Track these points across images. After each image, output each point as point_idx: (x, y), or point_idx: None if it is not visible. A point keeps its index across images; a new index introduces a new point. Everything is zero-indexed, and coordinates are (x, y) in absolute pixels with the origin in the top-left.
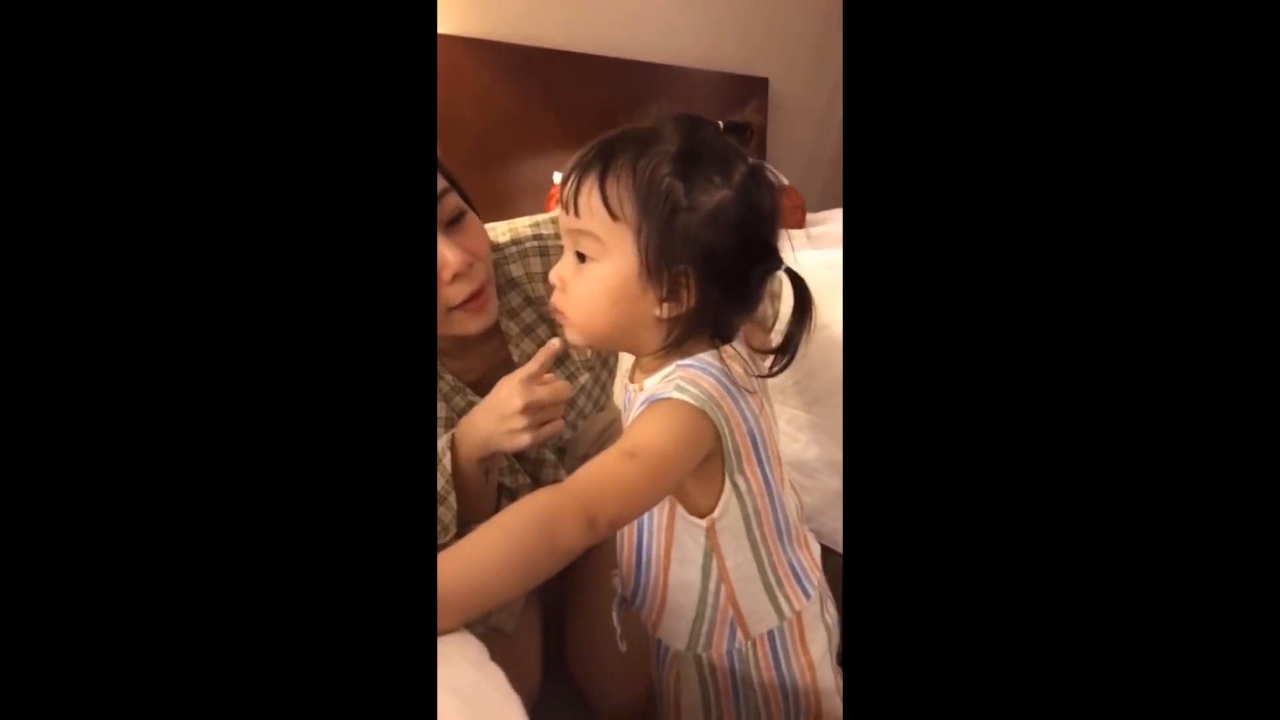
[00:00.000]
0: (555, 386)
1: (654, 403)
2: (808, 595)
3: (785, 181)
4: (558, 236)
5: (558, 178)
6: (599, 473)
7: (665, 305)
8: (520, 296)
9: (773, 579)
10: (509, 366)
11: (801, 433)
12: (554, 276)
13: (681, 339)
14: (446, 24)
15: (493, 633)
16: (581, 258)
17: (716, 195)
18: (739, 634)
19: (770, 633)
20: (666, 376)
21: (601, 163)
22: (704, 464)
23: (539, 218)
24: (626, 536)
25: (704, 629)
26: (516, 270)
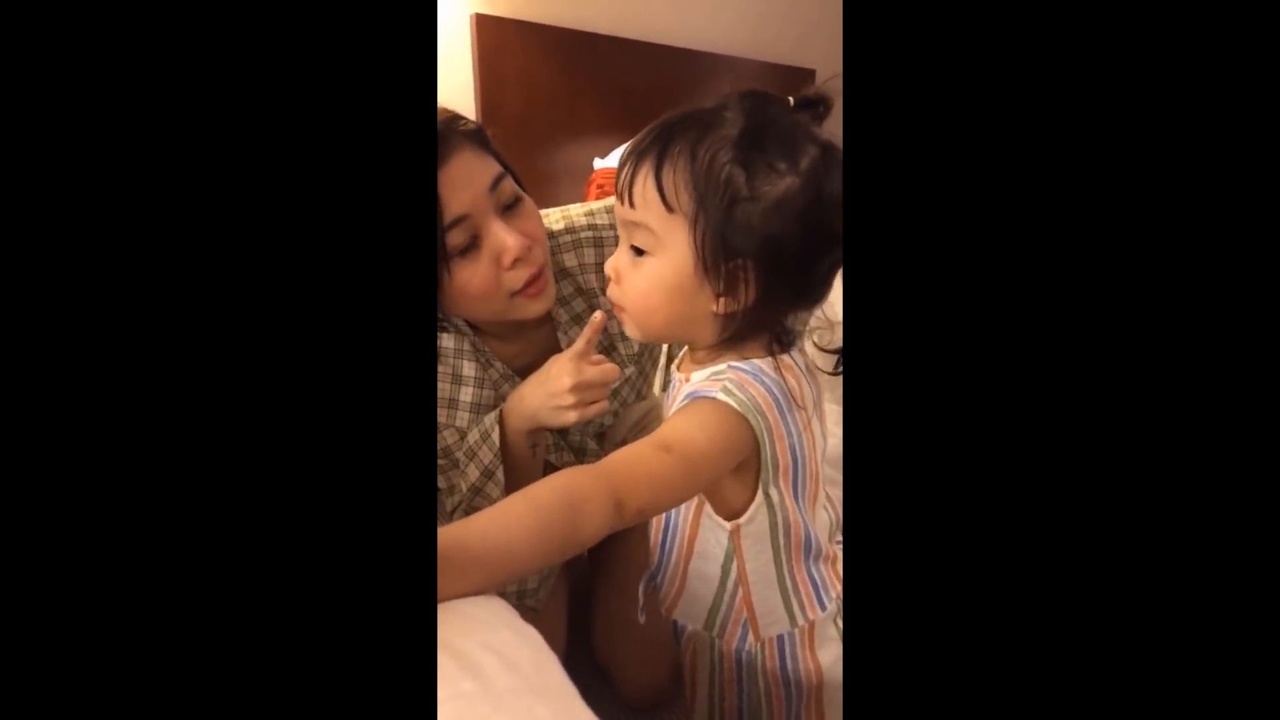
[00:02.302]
0: (604, 368)
1: (697, 399)
2: (824, 607)
3: None
4: (613, 226)
5: (598, 163)
6: (633, 460)
7: (722, 300)
8: (572, 286)
9: (789, 586)
10: (556, 353)
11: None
12: (609, 269)
13: (739, 335)
14: (491, 5)
15: (521, 609)
16: (638, 251)
17: (782, 183)
18: (750, 635)
19: (780, 636)
20: (716, 375)
21: (658, 150)
22: (739, 469)
23: (594, 205)
24: (655, 519)
25: (719, 618)
26: (570, 260)
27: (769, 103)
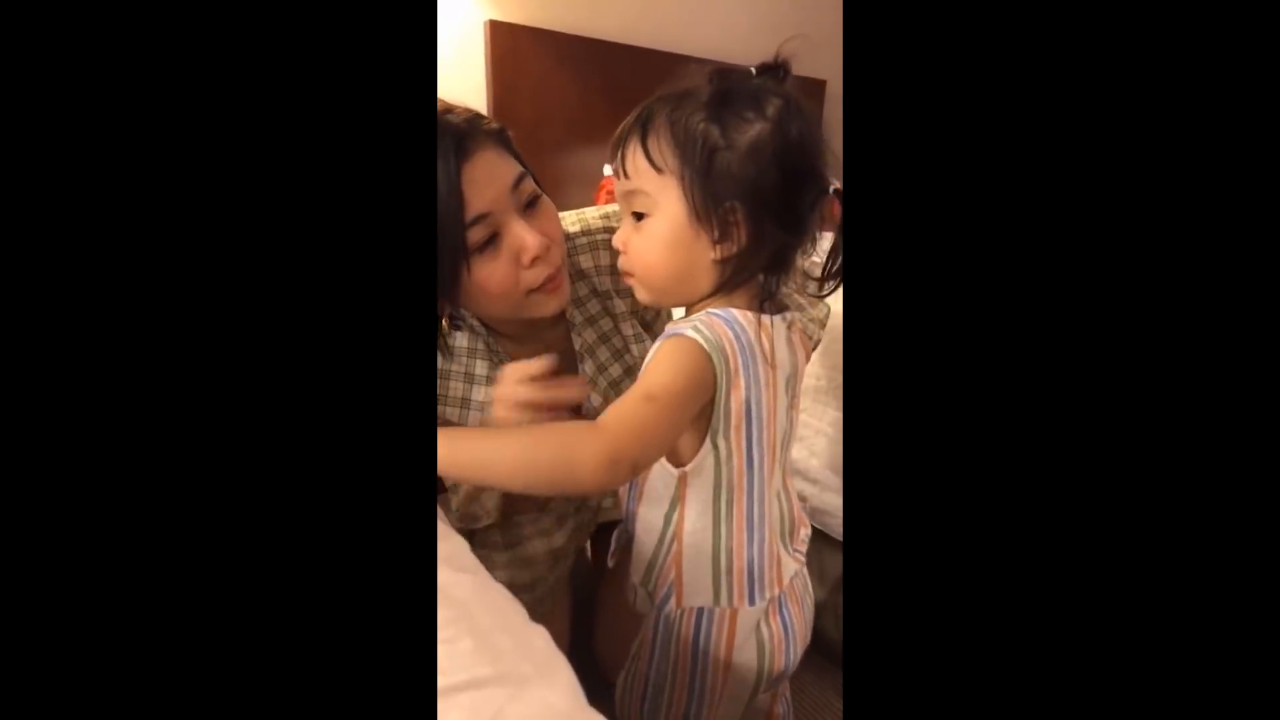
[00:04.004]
0: (559, 393)
1: (669, 337)
2: (751, 600)
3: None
4: None
5: (608, 170)
6: (624, 415)
7: (719, 246)
8: (587, 287)
9: (723, 563)
10: (570, 354)
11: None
12: (617, 241)
13: (735, 280)
14: (505, 12)
15: (577, 528)
16: (639, 217)
17: (752, 130)
18: (673, 599)
19: (700, 610)
20: (693, 318)
21: (641, 124)
22: (696, 414)
23: (609, 209)
24: None
25: (654, 573)
26: (586, 262)
27: (732, 71)
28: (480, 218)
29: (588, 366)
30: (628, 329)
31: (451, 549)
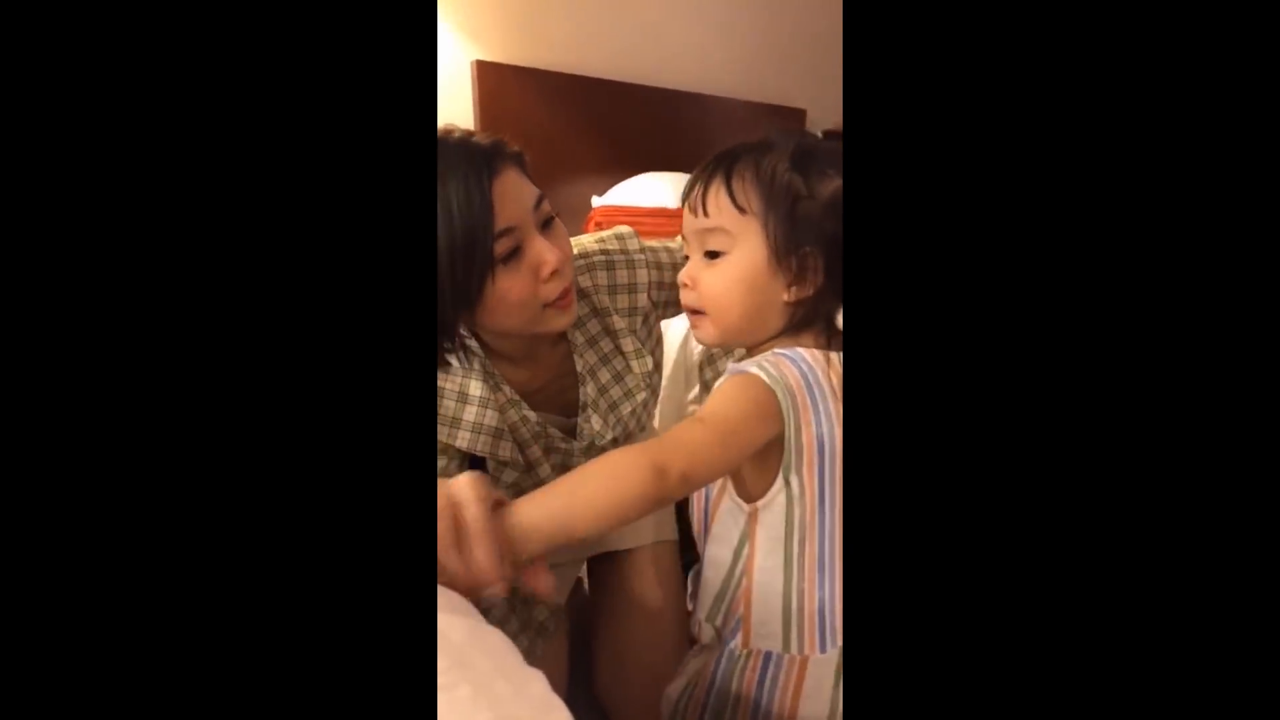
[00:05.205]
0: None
1: (733, 375)
2: (823, 648)
3: None
4: (622, 252)
5: (596, 201)
6: (674, 433)
7: (793, 289)
8: (588, 307)
9: (794, 606)
10: (571, 376)
11: None
12: (684, 277)
13: (803, 322)
14: (491, 51)
15: (538, 633)
16: (711, 256)
17: (833, 185)
18: (739, 637)
19: (768, 654)
20: (761, 358)
21: (725, 167)
22: (764, 453)
23: (603, 234)
24: (697, 504)
25: (722, 608)
26: (584, 281)
27: (806, 133)
28: (507, 230)
29: (589, 388)
30: (628, 345)
31: (446, 592)
